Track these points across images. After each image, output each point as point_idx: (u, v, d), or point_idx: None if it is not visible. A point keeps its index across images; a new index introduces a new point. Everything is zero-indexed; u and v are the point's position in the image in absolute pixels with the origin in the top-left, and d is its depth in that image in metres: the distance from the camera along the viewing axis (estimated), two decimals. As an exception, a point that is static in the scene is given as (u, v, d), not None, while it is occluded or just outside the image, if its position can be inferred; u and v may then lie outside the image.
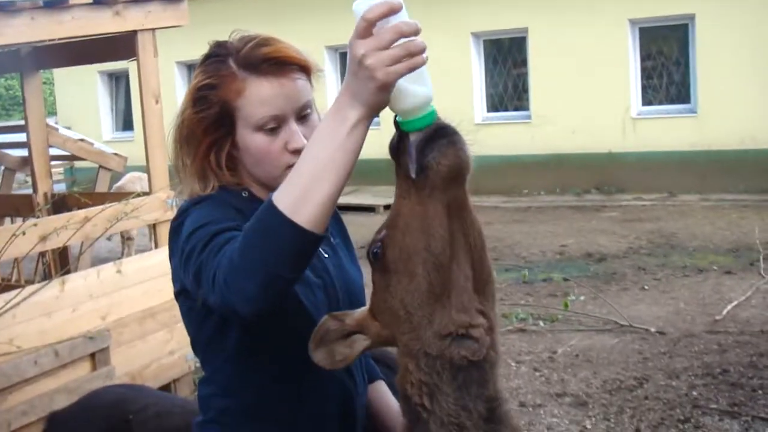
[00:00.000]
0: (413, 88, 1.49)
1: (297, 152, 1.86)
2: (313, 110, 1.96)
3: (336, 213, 2.17)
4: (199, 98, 1.91)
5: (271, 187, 1.90)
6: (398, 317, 1.63)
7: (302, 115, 1.91)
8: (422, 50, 1.44)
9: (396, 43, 1.42)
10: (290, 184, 1.50)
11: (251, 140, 1.90)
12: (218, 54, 1.93)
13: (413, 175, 1.54)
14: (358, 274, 2.12)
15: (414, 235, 1.56)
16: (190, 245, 1.73)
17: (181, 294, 1.94)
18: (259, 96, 1.87)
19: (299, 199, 1.48)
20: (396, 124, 1.56)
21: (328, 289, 1.98)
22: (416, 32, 1.43)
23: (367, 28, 1.42)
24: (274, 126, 1.88)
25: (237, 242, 1.56)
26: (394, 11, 1.43)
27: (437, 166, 1.50)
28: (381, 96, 1.46)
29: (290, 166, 1.86)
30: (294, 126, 1.89)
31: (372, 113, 1.48)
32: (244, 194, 1.97)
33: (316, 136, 1.52)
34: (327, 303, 1.95)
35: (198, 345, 2.01)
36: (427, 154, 1.51)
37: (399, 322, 1.64)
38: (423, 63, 1.45)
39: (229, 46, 1.93)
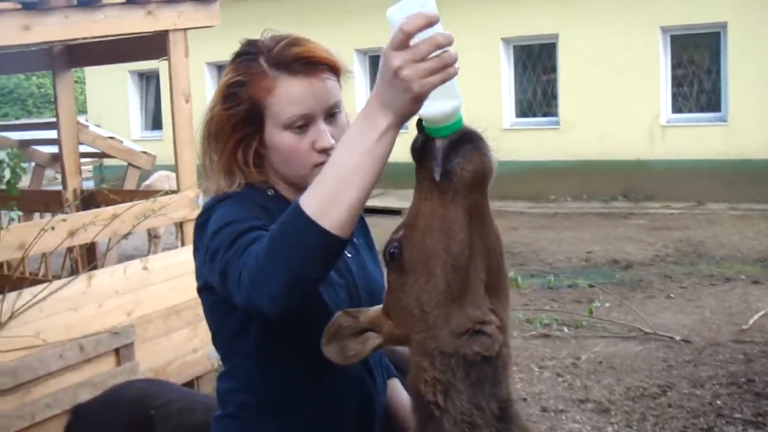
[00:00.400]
0: (444, 98, 1.50)
1: (324, 151, 1.88)
2: (342, 111, 1.97)
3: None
4: (229, 95, 1.93)
5: (298, 186, 1.92)
6: (413, 316, 1.64)
7: (330, 115, 1.93)
8: (455, 60, 1.45)
9: (431, 55, 1.43)
10: (318, 188, 1.52)
11: (279, 138, 1.91)
12: (249, 52, 1.95)
13: (437, 178, 1.55)
14: (380, 274, 2.13)
15: (434, 237, 1.58)
16: (216, 243, 1.75)
17: (204, 289, 1.96)
18: (288, 94, 1.89)
19: (326, 202, 1.49)
20: (420, 127, 1.57)
21: (350, 289, 1.99)
22: (451, 43, 1.44)
23: (404, 41, 1.42)
24: (302, 124, 1.90)
25: (263, 243, 1.57)
26: (431, 24, 1.43)
27: (461, 171, 1.52)
28: (415, 106, 1.47)
29: (317, 165, 1.88)
30: (322, 125, 1.91)
31: (402, 122, 1.50)
32: (269, 192, 1.98)
33: (344, 141, 1.53)
34: (349, 302, 1.96)
35: (219, 340, 2.03)
36: (452, 159, 1.53)
37: (413, 321, 1.65)
38: (455, 74, 1.46)
39: (261, 44, 1.94)
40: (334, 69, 1.94)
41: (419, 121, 1.56)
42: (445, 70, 1.43)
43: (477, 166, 1.52)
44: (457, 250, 1.55)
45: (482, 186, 1.56)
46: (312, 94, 1.89)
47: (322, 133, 1.90)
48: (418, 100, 1.45)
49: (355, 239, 2.11)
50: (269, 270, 1.53)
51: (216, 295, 1.85)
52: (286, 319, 1.61)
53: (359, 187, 1.49)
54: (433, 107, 1.50)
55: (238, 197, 1.91)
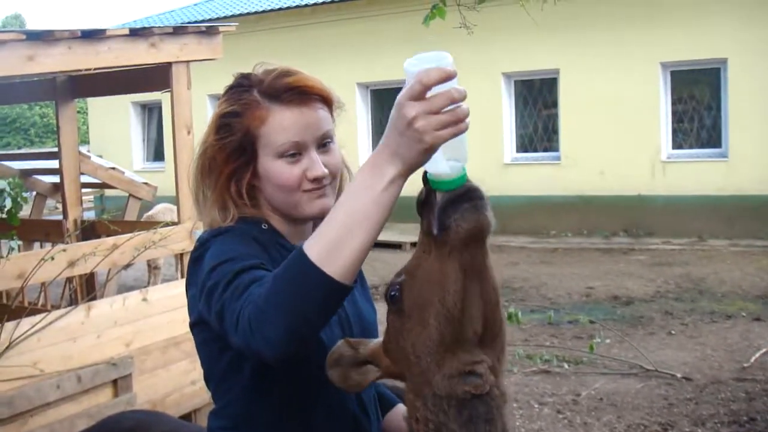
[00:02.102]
0: (451, 151, 1.52)
1: (317, 180, 1.90)
2: (334, 141, 1.98)
3: None
4: (222, 125, 1.94)
5: (290, 217, 1.94)
6: (408, 359, 1.67)
7: (322, 144, 1.94)
8: (467, 116, 1.47)
9: (446, 109, 1.45)
10: (322, 234, 1.52)
11: (272, 167, 1.91)
12: (242, 84, 1.96)
13: (435, 233, 1.57)
14: (371, 310, 2.13)
15: (430, 288, 1.60)
16: (213, 281, 1.74)
17: (197, 325, 1.94)
18: (281, 123, 1.90)
19: (331, 249, 1.49)
20: (426, 180, 1.58)
21: (343, 324, 1.99)
22: (464, 99, 1.46)
23: (422, 92, 1.44)
24: (294, 153, 1.90)
25: (263, 286, 1.56)
26: (449, 78, 1.45)
27: (457, 228, 1.53)
28: (424, 158, 1.48)
29: (306, 191, 1.90)
30: (314, 154, 1.91)
31: (410, 172, 1.51)
32: (263, 226, 1.98)
33: (351, 189, 1.54)
34: (342, 337, 1.95)
35: (211, 377, 2.01)
36: (450, 215, 1.54)
37: (408, 363, 1.67)
38: (466, 129, 1.48)
39: (253, 77, 1.96)
40: (325, 100, 1.96)
41: (425, 174, 1.58)
42: (457, 124, 1.45)
43: (473, 224, 1.54)
44: (451, 304, 1.57)
45: (478, 243, 1.58)
46: (304, 123, 1.90)
47: (315, 162, 1.90)
48: (429, 151, 1.47)
49: None
50: (269, 315, 1.52)
51: (209, 332, 1.84)
52: (284, 363, 1.60)
53: (364, 234, 1.50)
54: (439, 161, 1.52)
55: (234, 232, 1.90)
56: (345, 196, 1.55)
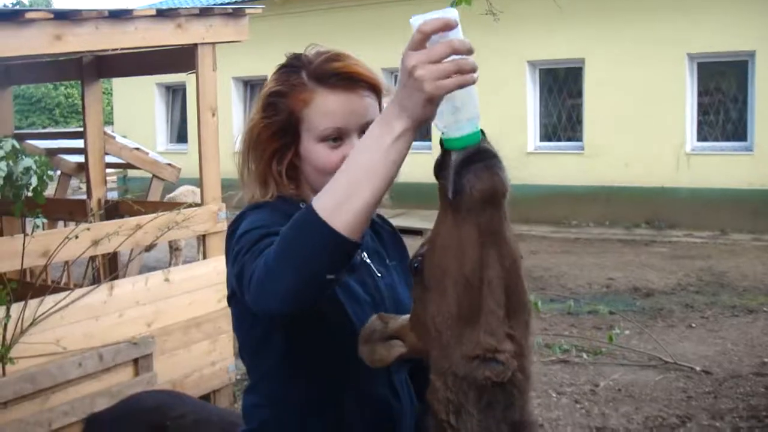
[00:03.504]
0: (459, 106, 1.50)
1: None
2: None
3: (398, 236, 2.23)
4: (268, 104, 1.96)
5: None
6: (430, 334, 1.64)
7: (365, 131, 1.93)
8: (473, 69, 1.45)
9: (448, 59, 1.43)
10: (330, 189, 1.52)
11: (313, 150, 1.93)
12: (293, 65, 1.98)
13: (450, 196, 1.54)
14: (409, 295, 2.12)
15: (448, 256, 1.57)
16: (239, 246, 1.76)
17: (233, 296, 1.96)
18: (325, 107, 1.91)
19: (337, 203, 1.49)
20: (441, 142, 1.56)
21: (377, 308, 1.98)
22: (469, 51, 1.44)
23: (421, 41, 1.43)
24: (336, 138, 1.92)
25: (275, 244, 1.57)
26: (449, 27, 1.44)
27: (471, 190, 1.50)
28: (427, 109, 1.46)
29: None
30: (356, 141, 1.91)
31: (417, 126, 1.49)
32: (302, 205, 1.98)
33: (360, 144, 1.54)
34: None
35: (245, 350, 2.03)
36: (462, 176, 1.51)
37: (430, 339, 1.65)
38: (473, 82, 1.45)
39: (304, 58, 1.97)
40: (373, 87, 1.96)
41: (441, 136, 1.55)
42: (461, 75, 1.43)
43: (487, 184, 1.50)
44: (469, 271, 1.54)
45: (494, 205, 1.53)
46: (348, 109, 1.91)
47: None
48: (431, 101, 1.45)
49: (387, 260, 2.11)
50: (277, 269, 1.53)
51: (244, 304, 1.85)
52: (296, 318, 1.61)
53: (372, 189, 1.49)
54: (449, 116, 1.50)
55: (270, 206, 1.93)
56: (355, 150, 1.54)
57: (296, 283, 1.52)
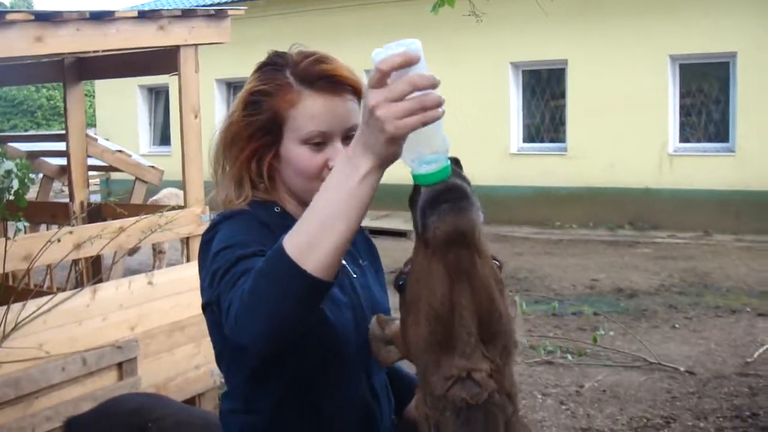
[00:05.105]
0: (425, 141, 1.43)
1: None
2: None
3: (366, 235, 2.19)
4: (251, 102, 1.93)
5: (306, 203, 1.92)
6: (411, 351, 1.66)
7: (347, 137, 1.91)
8: (438, 104, 1.38)
9: (410, 96, 1.37)
10: (300, 230, 1.49)
11: (295, 152, 1.91)
12: (276, 63, 1.95)
13: (420, 232, 1.52)
14: (384, 296, 2.11)
15: (420, 286, 1.56)
16: (215, 266, 1.74)
17: (208, 306, 1.94)
18: (311, 110, 1.89)
19: (308, 245, 1.46)
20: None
21: (355, 308, 1.97)
22: (433, 86, 1.38)
23: (381, 79, 1.38)
24: (319, 142, 1.89)
25: (249, 280, 1.55)
26: (409, 63, 1.38)
27: (435, 231, 1.47)
28: (391, 148, 1.42)
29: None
30: (339, 146, 1.90)
31: (384, 165, 1.45)
32: (276, 209, 1.97)
33: (327, 183, 1.50)
34: (354, 322, 1.95)
35: (223, 358, 2.01)
36: (428, 215, 1.47)
37: (413, 355, 1.67)
38: (438, 117, 1.39)
39: (288, 57, 1.95)
40: (356, 91, 1.94)
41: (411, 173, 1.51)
42: (423, 112, 1.37)
43: (450, 227, 1.45)
44: (437, 305, 1.52)
45: (460, 245, 1.49)
46: (333, 113, 1.89)
47: (339, 152, 1.88)
48: (393, 142, 1.40)
49: (360, 260, 2.10)
50: (251, 311, 1.52)
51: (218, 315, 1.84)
52: (271, 356, 1.63)
53: (341, 230, 1.46)
54: (414, 154, 1.44)
55: (244, 216, 1.90)
56: (323, 189, 1.50)
57: (270, 324, 1.51)
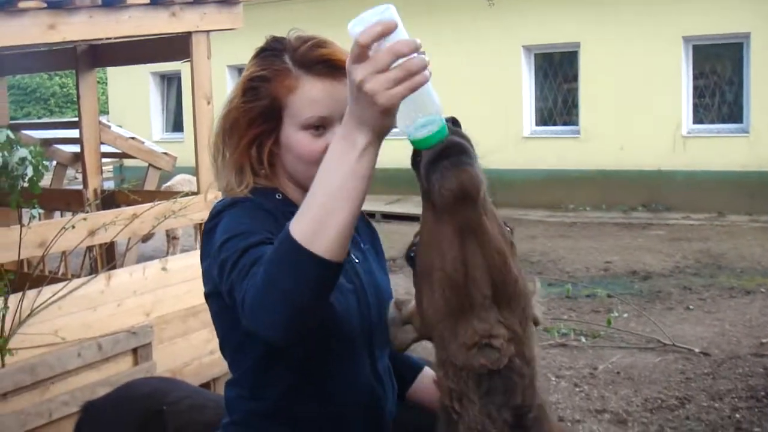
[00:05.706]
0: (418, 106, 1.42)
1: None
2: None
3: (366, 219, 2.18)
4: (249, 89, 1.93)
5: (306, 188, 1.93)
6: (429, 323, 1.64)
7: None
8: (423, 67, 1.37)
9: (395, 64, 1.36)
10: (304, 214, 1.48)
11: (295, 138, 1.90)
12: (275, 48, 1.94)
13: (424, 193, 1.52)
14: (386, 281, 2.11)
15: (431, 252, 1.55)
16: (223, 256, 1.73)
17: (212, 295, 1.93)
18: (310, 95, 1.88)
19: (315, 228, 1.45)
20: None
21: (359, 294, 1.97)
22: (415, 50, 1.37)
23: (362, 53, 1.37)
24: (319, 126, 1.89)
25: (261, 269, 1.53)
26: (388, 32, 1.37)
27: (440, 191, 1.46)
28: (385, 120, 1.41)
29: None
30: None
31: (380, 136, 1.45)
32: (278, 196, 1.97)
33: (325, 164, 1.48)
34: (358, 307, 1.95)
35: (227, 346, 2.01)
36: (431, 177, 1.47)
37: (430, 328, 1.65)
38: (425, 81, 1.38)
39: (287, 42, 1.94)
40: None
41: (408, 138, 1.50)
42: (411, 78, 1.36)
43: (454, 184, 1.44)
44: (450, 269, 1.51)
45: (467, 202, 1.48)
46: (333, 98, 1.88)
47: None
48: (387, 113, 1.39)
49: (362, 244, 2.09)
50: (267, 300, 1.50)
51: (223, 302, 1.82)
52: (293, 344, 1.59)
53: (345, 209, 1.45)
54: (408, 119, 1.43)
55: (246, 204, 1.88)
56: (321, 171, 1.49)
57: (285, 314, 1.49)
